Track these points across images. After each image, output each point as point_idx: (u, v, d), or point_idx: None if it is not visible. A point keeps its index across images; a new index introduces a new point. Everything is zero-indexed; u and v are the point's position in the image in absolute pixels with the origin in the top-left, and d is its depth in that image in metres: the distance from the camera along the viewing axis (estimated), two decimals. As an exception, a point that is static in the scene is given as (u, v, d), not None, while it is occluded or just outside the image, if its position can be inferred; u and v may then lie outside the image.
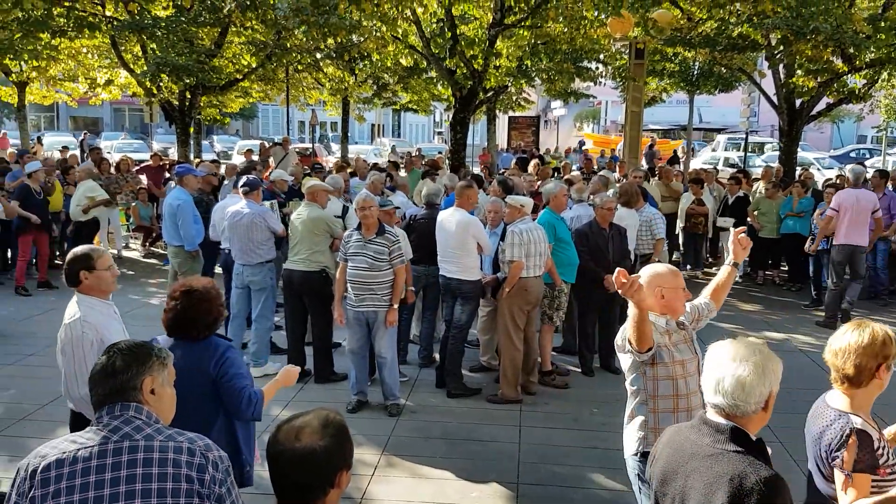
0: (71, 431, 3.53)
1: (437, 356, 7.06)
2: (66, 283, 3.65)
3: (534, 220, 6.70)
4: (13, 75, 18.48)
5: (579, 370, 7.22)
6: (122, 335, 3.55)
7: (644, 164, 18.17)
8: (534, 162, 14.05)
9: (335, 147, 34.05)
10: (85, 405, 3.33)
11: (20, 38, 13.86)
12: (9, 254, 10.81)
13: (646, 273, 3.31)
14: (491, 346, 7.11)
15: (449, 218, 6.48)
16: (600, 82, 16.72)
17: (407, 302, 6.98)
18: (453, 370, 6.48)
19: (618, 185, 10.32)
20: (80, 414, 3.56)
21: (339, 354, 7.06)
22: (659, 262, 7.99)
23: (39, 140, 27.98)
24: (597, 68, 16.65)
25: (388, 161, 17.42)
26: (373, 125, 46.60)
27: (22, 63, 16.63)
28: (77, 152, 24.29)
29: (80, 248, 3.68)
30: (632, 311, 3.03)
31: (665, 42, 14.32)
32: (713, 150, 26.66)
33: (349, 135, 25.44)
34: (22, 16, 13.27)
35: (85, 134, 33.55)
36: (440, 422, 5.96)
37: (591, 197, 8.21)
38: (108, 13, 14.15)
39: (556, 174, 14.26)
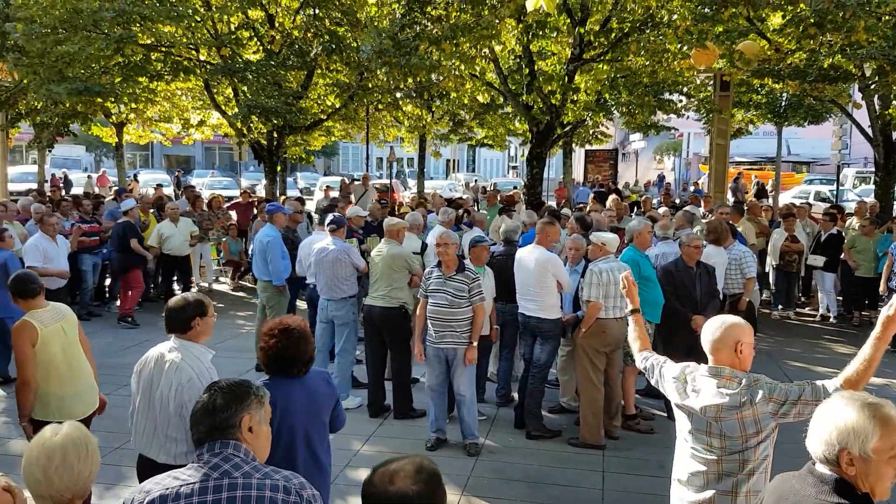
0: (140, 480, 3.49)
1: (515, 395, 6.98)
2: (171, 327, 3.59)
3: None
4: (113, 117, 19.65)
5: (664, 414, 6.98)
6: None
7: (730, 198, 17.68)
8: (612, 197, 13.88)
9: (412, 182, 34.61)
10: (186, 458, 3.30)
11: (120, 81, 14.71)
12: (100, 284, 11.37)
13: (723, 323, 3.16)
14: (571, 386, 6.98)
15: (528, 255, 6.43)
16: (683, 114, 16.43)
17: (492, 340, 6.97)
18: (533, 411, 6.38)
19: (703, 220, 10.07)
20: (152, 463, 3.45)
21: (418, 390, 7.08)
22: (749, 302, 7.78)
23: (135, 177, 29.53)
24: (680, 101, 16.37)
25: (457, 198, 17.31)
26: (448, 160, 47.15)
27: (121, 105, 17.65)
28: (171, 189, 25.56)
29: (192, 295, 3.68)
30: (875, 352, 2.86)
31: (752, 74, 13.98)
32: (842, 185, 25.21)
33: (424, 170, 25.80)
34: (122, 61, 14.12)
35: (178, 172, 35.26)
36: (520, 463, 5.86)
37: (675, 232, 8.03)
38: (202, 58, 14.89)
39: (635, 209, 14.04)
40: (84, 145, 41.49)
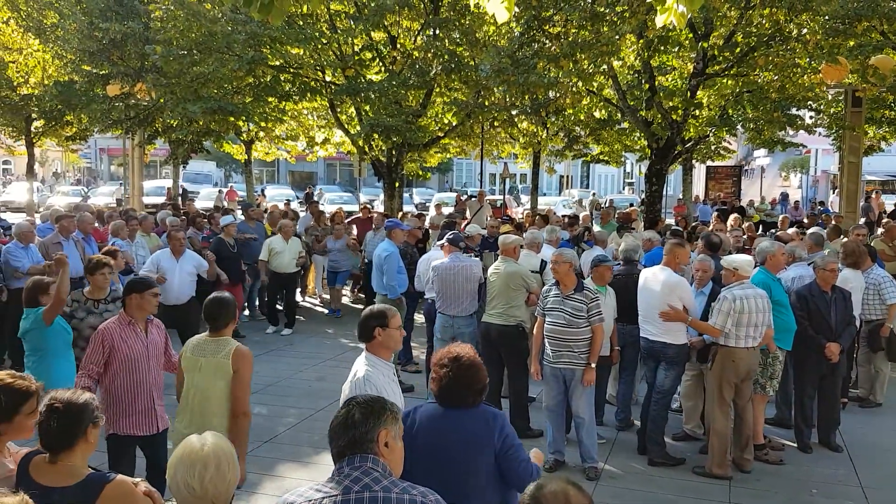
0: None
1: (635, 420, 6.81)
2: (357, 337, 3.66)
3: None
4: (243, 135, 20.79)
5: (794, 445, 6.62)
6: (399, 398, 3.50)
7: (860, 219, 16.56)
8: (733, 216, 13.30)
9: (525, 199, 34.52)
10: None
11: (252, 101, 15.56)
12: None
13: None
14: (695, 412, 6.73)
15: (654, 277, 6.25)
16: (813, 130, 15.59)
17: (612, 361, 6.84)
18: (656, 437, 6.19)
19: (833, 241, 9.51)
20: None
21: (534, 409, 7.03)
22: (893, 329, 7.27)
23: (263, 192, 30.99)
24: (810, 117, 15.56)
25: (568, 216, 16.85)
26: (561, 176, 46.70)
27: (251, 123, 18.65)
28: (296, 204, 26.67)
29: (376, 306, 3.71)
30: None
31: (888, 89, 13.12)
32: None
33: (538, 186, 25.69)
34: (254, 82, 14.95)
35: (310, 188, 36.67)
36: (641, 490, 5.71)
37: (801, 252, 7.62)
38: (327, 78, 15.53)
39: (759, 228, 13.39)
40: (214, 161, 44.02)
